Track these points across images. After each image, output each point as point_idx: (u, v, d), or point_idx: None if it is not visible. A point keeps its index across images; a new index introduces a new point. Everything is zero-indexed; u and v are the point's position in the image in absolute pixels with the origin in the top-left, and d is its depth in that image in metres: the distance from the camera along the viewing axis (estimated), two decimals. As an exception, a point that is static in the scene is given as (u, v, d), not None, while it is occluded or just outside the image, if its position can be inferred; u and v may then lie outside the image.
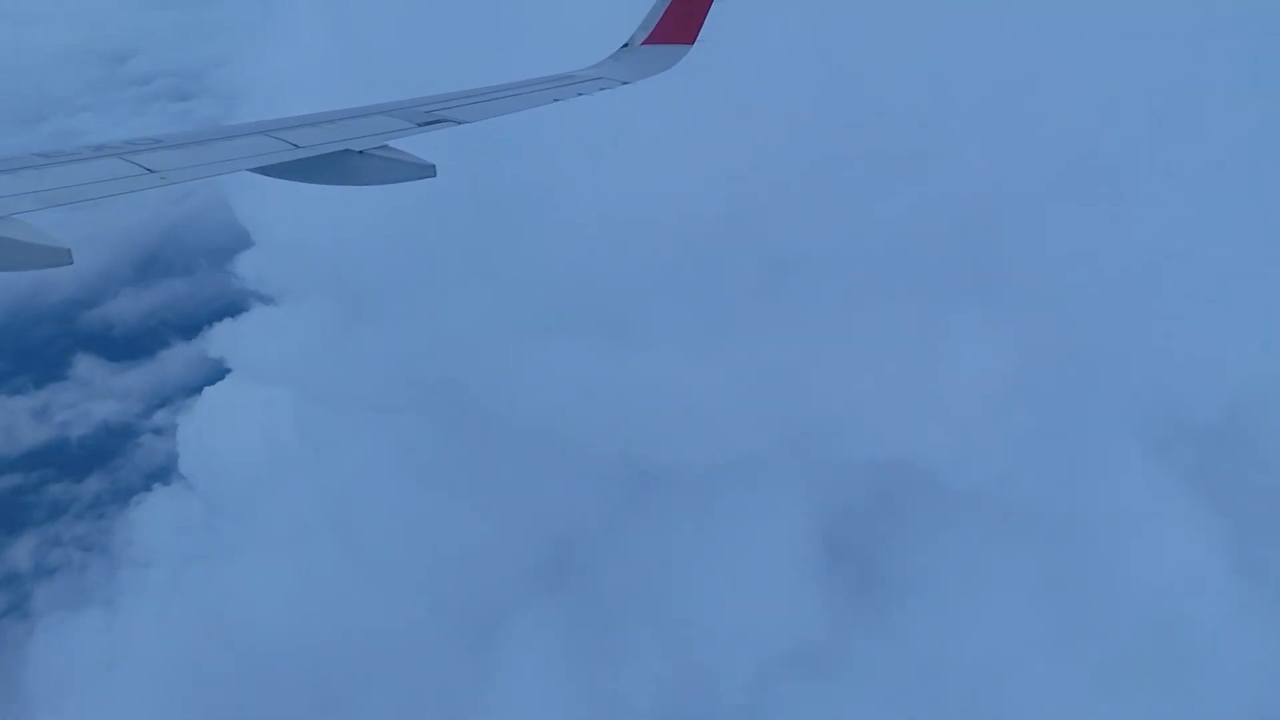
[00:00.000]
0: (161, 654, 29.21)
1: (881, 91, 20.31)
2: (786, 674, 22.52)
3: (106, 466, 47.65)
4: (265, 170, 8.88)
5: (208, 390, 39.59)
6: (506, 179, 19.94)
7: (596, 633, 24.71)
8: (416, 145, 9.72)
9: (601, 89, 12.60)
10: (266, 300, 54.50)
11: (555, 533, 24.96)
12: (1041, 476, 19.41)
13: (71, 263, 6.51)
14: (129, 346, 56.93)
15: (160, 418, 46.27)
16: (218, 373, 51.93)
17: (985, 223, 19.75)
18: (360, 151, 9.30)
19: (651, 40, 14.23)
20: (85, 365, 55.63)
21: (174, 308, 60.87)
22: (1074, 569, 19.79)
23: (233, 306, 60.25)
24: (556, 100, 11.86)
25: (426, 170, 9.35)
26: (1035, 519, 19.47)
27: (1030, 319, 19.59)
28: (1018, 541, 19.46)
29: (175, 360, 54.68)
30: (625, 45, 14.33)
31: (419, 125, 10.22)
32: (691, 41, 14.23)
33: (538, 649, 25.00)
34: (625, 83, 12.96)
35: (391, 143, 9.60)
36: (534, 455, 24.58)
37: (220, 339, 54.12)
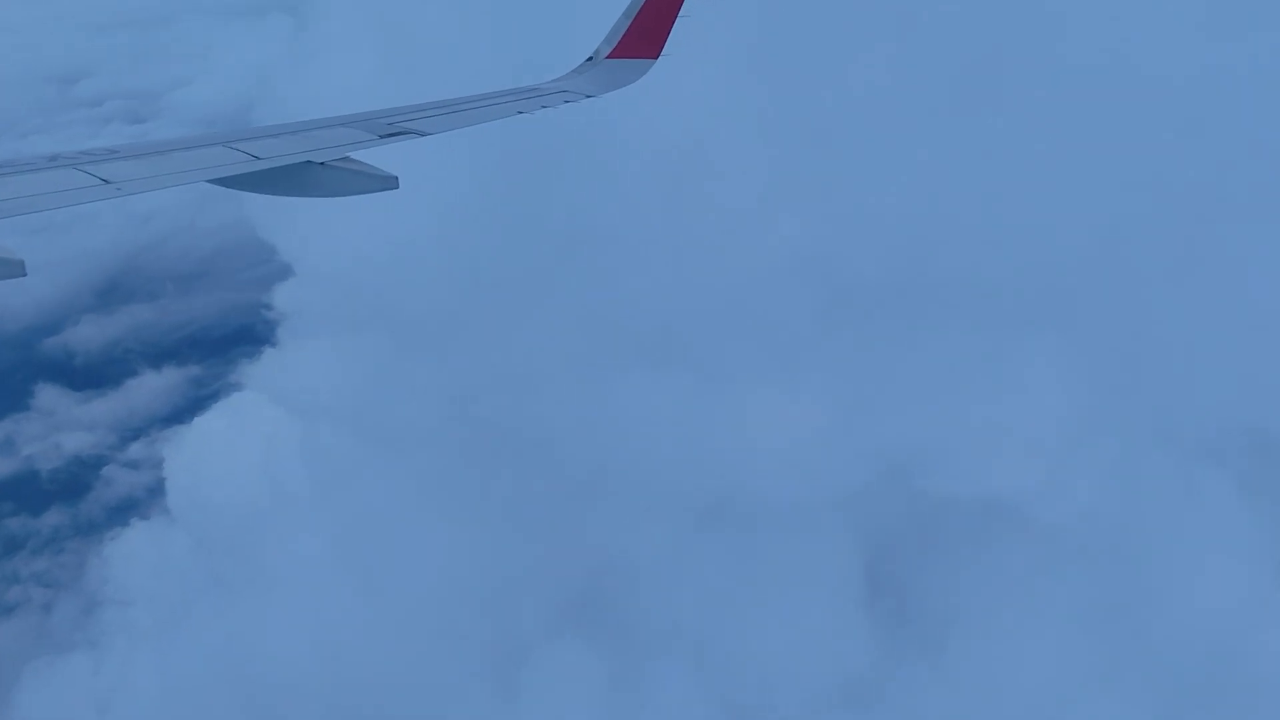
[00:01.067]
0: (161, 699, 27.70)
1: (938, 118, 19.87)
2: (833, 709, 21.79)
3: (76, 501, 45.65)
4: (225, 182, 8.73)
5: (198, 421, 37.87)
6: (561, 204, 19.07)
7: (631, 670, 23.81)
8: (379, 157, 9.55)
9: (566, 102, 12.51)
10: (271, 328, 53.07)
11: (588, 567, 24.03)
12: (1105, 504, 18.90)
13: (25, 274, 6.20)
14: (93, 375, 54.79)
15: (136, 450, 44.25)
16: (192, 403, 50.28)
17: (1049, 247, 19.30)
18: (322, 163, 9.12)
19: (616, 54, 14.05)
20: (48, 395, 53.38)
21: (139, 335, 58.79)
22: (1133, 597, 19.32)
23: (205, 333, 58.67)
24: (521, 113, 11.75)
25: (389, 182, 9.14)
26: (1093, 547, 18.94)
27: (1099, 344, 19.12)
28: (1073, 569, 18.93)
29: (143, 390, 52.65)
30: (590, 59, 14.19)
31: (381, 137, 10.07)
32: (655, 56, 14.02)
33: (566, 687, 24.03)
34: (590, 96, 12.89)
35: (353, 154, 9.41)
36: (573, 488, 23.69)
37: (221, 368, 52.63)
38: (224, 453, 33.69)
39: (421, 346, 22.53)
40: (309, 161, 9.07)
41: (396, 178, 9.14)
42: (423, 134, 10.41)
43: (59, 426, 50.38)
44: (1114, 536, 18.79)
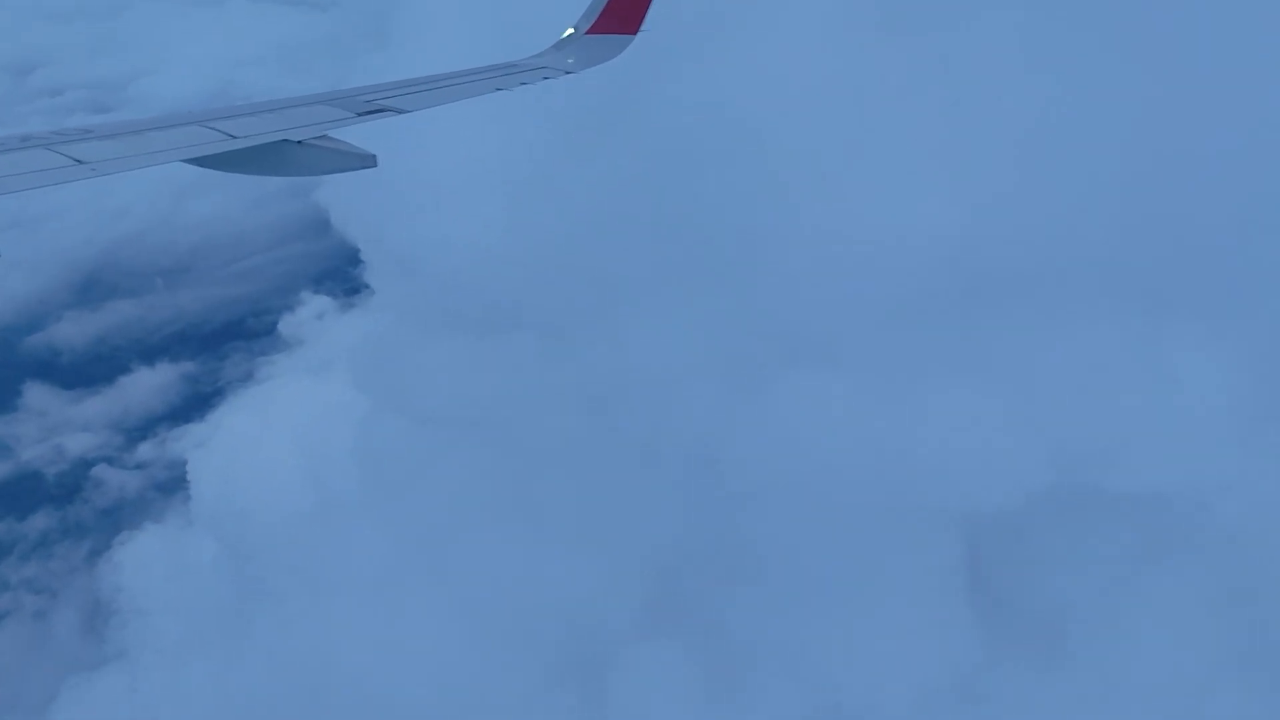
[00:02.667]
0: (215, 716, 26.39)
1: (1076, 89, 18.86)
2: (943, 707, 21.25)
3: (79, 505, 43.75)
4: (201, 161, 8.61)
5: (218, 419, 36.25)
6: (675, 195, 17.93)
7: (723, 673, 23.07)
8: (357, 135, 9.41)
9: (545, 78, 12.47)
10: (272, 324, 51.07)
11: (671, 568, 23.20)
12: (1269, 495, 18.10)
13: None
14: (82, 373, 52.56)
15: (145, 451, 42.43)
16: (193, 400, 48.40)
17: (1193, 228, 18.49)
18: (299, 141, 8.98)
19: (595, 30, 14.03)
20: (37, 394, 51.12)
21: (125, 331, 56.58)
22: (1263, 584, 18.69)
23: (194, 329, 56.62)
24: (499, 90, 11.69)
25: (367, 160, 8.95)
26: (1256, 541, 18.24)
27: (1251, 331, 18.35)
28: (1230, 563, 18.28)
29: (138, 388, 50.60)
30: (569, 34, 14.16)
31: (359, 115, 9.93)
32: (634, 32, 14.02)
33: (659, 691, 23.24)
34: (569, 72, 12.87)
35: (331, 132, 9.29)
36: (651, 486, 22.78)
37: (215, 364, 50.70)
38: (255, 452, 32.21)
39: (520, 344, 21.38)
40: (286, 140, 8.92)
41: (375, 156, 8.97)
42: (401, 111, 10.31)
43: (54, 427, 48.26)
44: (1236, 518, 18.18)
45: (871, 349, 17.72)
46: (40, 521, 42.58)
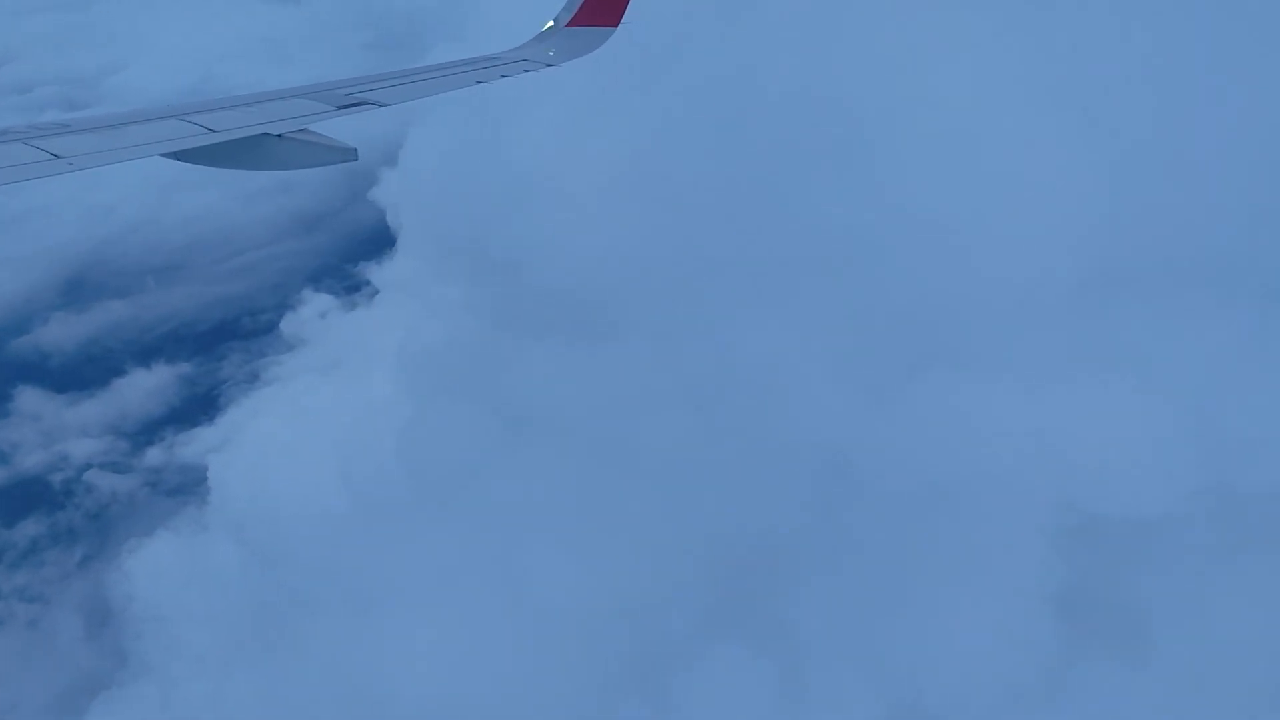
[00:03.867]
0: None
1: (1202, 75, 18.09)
2: (1028, 705, 20.81)
3: (82, 511, 42.37)
4: (180, 155, 8.46)
5: (248, 423, 35.08)
6: (779, 187, 17.15)
7: (795, 674, 22.51)
8: (337, 128, 9.35)
9: (526, 71, 12.34)
10: (275, 320, 49.58)
11: (742, 568, 22.59)
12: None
13: None
14: (75, 376, 50.98)
15: (154, 456, 41.11)
16: (192, 402, 47.05)
17: None
18: (279, 135, 8.88)
19: (575, 22, 13.89)
20: (30, 398, 49.51)
21: (117, 333, 54.99)
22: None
23: (188, 329, 55.13)
24: (480, 83, 11.59)
25: (348, 154, 8.94)
26: None
27: None
28: None
29: (135, 390, 49.15)
30: (549, 26, 14.01)
31: (339, 108, 9.84)
32: (615, 24, 13.85)
33: (727, 694, 22.64)
34: (549, 65, 12.71)
35: (311, 126, 9.20)
36: (720, 480, 22.12)
37: (213, 365, 49.27)
38: (284, 456, 31.15)
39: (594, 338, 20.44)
40: (266, 134, 8.80)
41: (355, 149, 8.91)
42: (381, 104, 10.23)
43: (50, 432, 46.77)
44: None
45: (996, 345, 17.10)
46: (39, 529, 41.20)
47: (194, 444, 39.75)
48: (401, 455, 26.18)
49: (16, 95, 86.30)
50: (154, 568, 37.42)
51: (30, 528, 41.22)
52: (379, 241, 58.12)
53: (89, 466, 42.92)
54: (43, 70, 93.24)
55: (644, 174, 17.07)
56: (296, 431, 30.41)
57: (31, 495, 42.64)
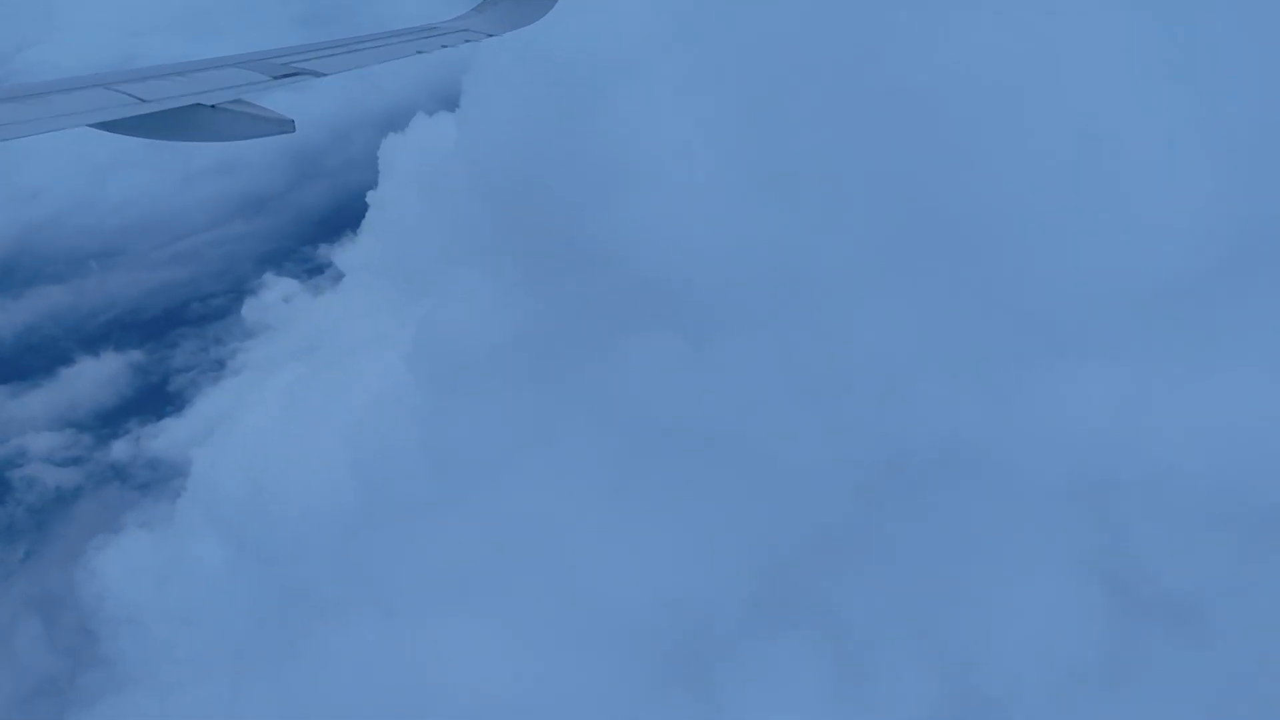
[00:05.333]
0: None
1: None
2: (1086, 690, 20.64)
3: (38, 507, 39.90)
4: (108, 126, 8.07)
5: (229, 413, 33.14)
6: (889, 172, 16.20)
7: (850, 663, 22.03)
8: (274, 99, 9.05)
9: (466, 40, 12.05)
10: (240, 300, 47.13)
11: (783, 557, 21.99)
12: None
13: None
14: (14, 366, 48.08)
15: (120, 449, 38.79)
16: (147, 391, 44.62)
17: None
18: (212, 106, 8.53)
19: None
20: (-34, 390, 46.52)
21: (57, 320, 52.00)
22: None
23: (132, 315, 52.31)
24: (420, 53, 11.30)
25: (285, 125, 8.59)
26: None
27: None
28: None
29: (84, 379, 46.49)
30: None
31: (275, 78, 9.48)
32: None
33: (772, 685, 22.06)
34: (490, 35, 12.43)
35: (246, 96, 8.85)
36: (753, 470, 21.43)
37: (164, 351, 46.68)
38: (278, 447, 29.52)
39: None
40: (199, 104, 8.44)
41: (292, 121, 8.59)
42: (319, 74, 9.89)
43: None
44: None
45: (1119, 336, 16.53)
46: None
47: (163, 436, 37.56)
48: (420, 446, 24.86)
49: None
50: (125, 566, 35.37)
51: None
52: (333, 224, 55.98)
53: (44, 461, 40.42)
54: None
55: (744, 161, 16.13)
56: (293, 422, 28.69)
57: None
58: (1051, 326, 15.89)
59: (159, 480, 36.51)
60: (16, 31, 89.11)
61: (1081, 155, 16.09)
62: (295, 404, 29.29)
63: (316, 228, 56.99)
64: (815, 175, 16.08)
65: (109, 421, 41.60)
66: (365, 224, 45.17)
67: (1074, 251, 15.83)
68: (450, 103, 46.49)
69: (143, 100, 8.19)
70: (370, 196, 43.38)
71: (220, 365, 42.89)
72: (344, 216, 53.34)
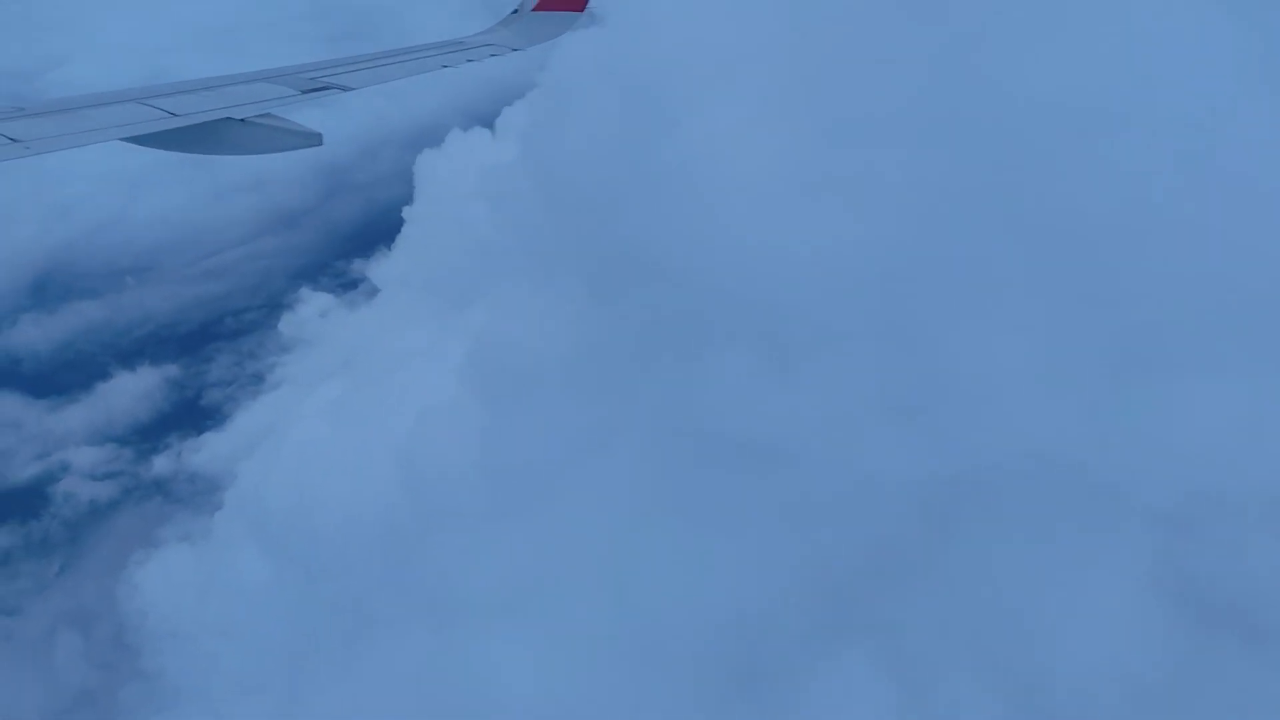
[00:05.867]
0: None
1: None
2: (1155, 704, 20.24)
3: (74, 521, 39.85)
4: (141, 140, 8.19)
5: (276, 427, 33.01)
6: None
7: (907, 683, 21.69)
8: (302, 115, 9.17)
9: (492, 55, 12.14)
10: (274, 313, 47.13)
11: (847, 575, 21.67)
12: None
13: None
14: (52, 381, 48.16)
15: (162, 464, 38.75)
16: (183, 406, 44.60)
17: None
18: (242, 120, 8.68)
19: (542, 6, 13.63)
20: (7, 405, 46.59)
21: (94, 335, 52.10)
22: None
23: (168, 330, 52.39)
24: (446, 67, 11.41)
25: (313, 139, 8.73)
26: None
27: None
28: None
29: (122, 394, 46.51)
30: (515, 11, 13.75)
31: (303, 92, 9.59)
32: (581, 8, 13.66)
33: (833, 706, 21.74)
34: (515, 50, 12.50)
35: (275, 110, 9.00)
36: (811, 486, 21.14)
37: (200, 366, 46.71)
38: (326, 461, 29.36)
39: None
40: (229, 118, 8.58)
41: (320, 134, 8.68)
42: (345, 89, 9.95)
43: (35, 439, 43.98)
44: None
45: (1220, 349, 16.08)
46: (28, 541, 38.67)
47: (204, 450, 37.47)
48: (476, 460, 24.66)
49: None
50: (168, 580, 35.25)
51: (19, 539, 38.69)
52: (365, 238, 56.08)
53: (86, 476, 40.41)
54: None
55: (831, 173, 15.92)
56: (340, 436, 28.53)
57: (21, 506, 40.01)
58: (1158, 340, 15.56)
59: (201, 495, 36.41)
60: (46, 50, 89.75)
61: (1192, 161, 15.71)
62: (342, 417, 29.11)
63: (348, 242, 57.13)
64: (903, 186, 15.85)
65: (149, 436, 41.57)
66: (400, 239, 45.15)
67: (1182, 261, 15.46)
68: (481, 119, 46.67)
69: (174, 114, 8.32)
70: (406, 211, 43.34)
71: (258, 379, 42.88)
72: (376, 231, 53.47)
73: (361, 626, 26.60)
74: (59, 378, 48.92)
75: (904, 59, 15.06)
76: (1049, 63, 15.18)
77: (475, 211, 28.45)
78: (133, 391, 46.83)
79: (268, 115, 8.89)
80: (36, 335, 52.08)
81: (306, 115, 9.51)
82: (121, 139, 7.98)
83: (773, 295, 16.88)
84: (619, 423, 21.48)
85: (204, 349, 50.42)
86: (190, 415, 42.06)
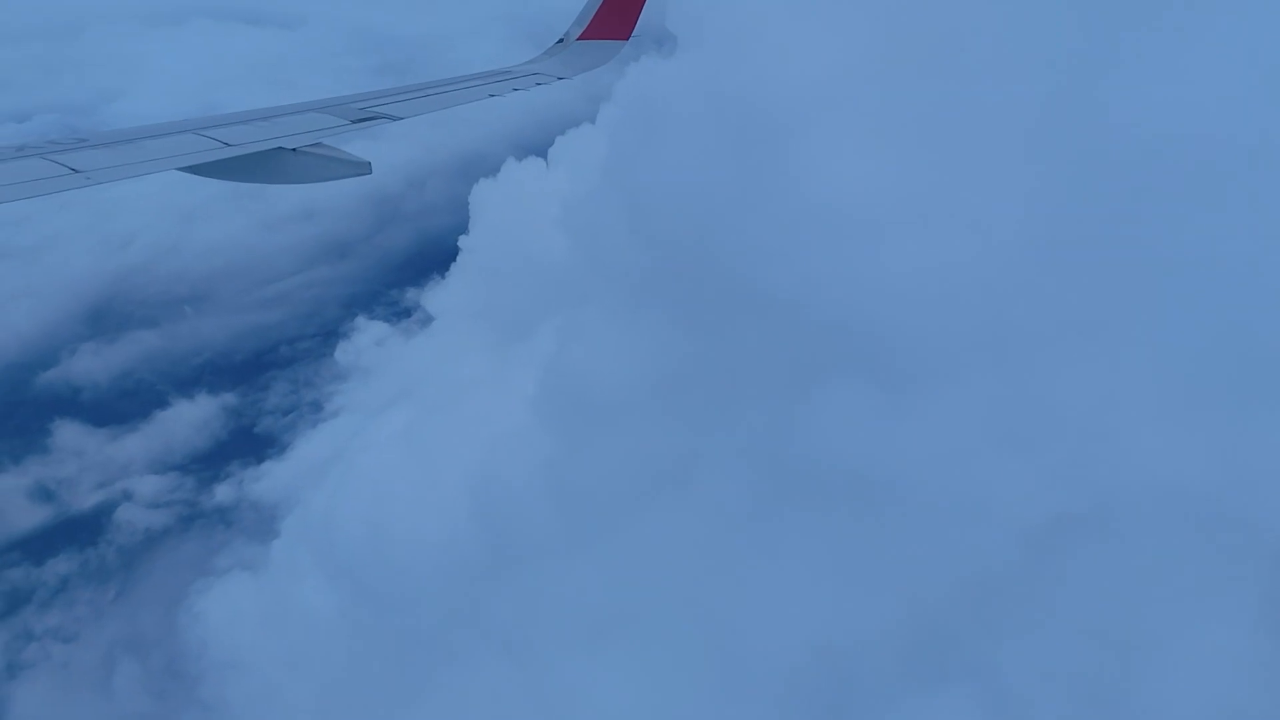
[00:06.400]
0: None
1: None
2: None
3: (134, 550, 39.70)
4: (196, 169, 8.38)
5: (343, 456, 32.75)
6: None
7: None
8: (353, 145, 9.29)
9: (538, 84, 12.26)
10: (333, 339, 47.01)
11: (944, 609, 20.94)
12: None
13: None
14: (111, 410, 48.29)
15: (224, 492, 38.60)
16: (245, 433, 44.57)
17: None
18: (294, 149, 8.82)
19: (587, 35, 13.77)
20: (68, 434, 46.72)
21: (150, 364, 52.31)
22: None
23: (223, 359, 52.54)
24: (493, 96, 11.52)
25: (362, 168, 8.89)
26: None
27: None
28: None
29: (180, 422, 46.55)
30: (560, 40, 13.89)
31: (353, 122, 9.77)
32: (626, 37, 13.76)
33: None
34: (561, 78, 12.62)
35: (326, 140, 9.14)
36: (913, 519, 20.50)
37: (256, 395, 46.70)
38: (393, 492, 29.01)
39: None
40: (280, 148, 8.73)
41: (369, 163, 8.83)
42: (394, 118, 10.06)
43: (95, 467, 44.02)
44: None
45: None
46: (87, 568, 38.56)
47: (265, 479, 37.28)
48: (551, 490, 24.19)
49: (14, 123, 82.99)
50: (229, 609, 34.93)
51: (79, 566, 38.62)
52: (417, 267, 56.16)
53: (147, 504, 40.35)
54: (38, 98, 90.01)
55: (946, 197, 15.47)
56: (410, 465, 28.19)
57: (82, 534, 39.97)
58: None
59: (264, 523, 36.17)
60: (102, 84, 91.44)
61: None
62: (411, 446, 28.76)
63: (400, 271, 57.25)
64: (1021, 212, 15.34)
65: (210, 464, 41.49)
66: (456, 267, 45.02)
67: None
68: (530, 149, 46.57)
69: (227, 144, 8.52)
70: (462, 240, 43.24)
71: (316, 408, 42.76)
72: (428, 260, 53.53)
73: (435, 659, 26.11)
74: (118, 406, 49.09)
75: (1023, 81, 14.58)
76: (1175, 90, 14.68)
77: (535, 240, 28.16)
78: (191, 420, 46.86)
79: (319, 145, 9.02)
80: (96, 364, 52.42)
81: (357, 145, 9.63)
82: (178, 169, 8.19)
83: (881, 325, 16.37)
84: (707, 453, 20.96)
85: (260, 377, 50.47)
86: (249, 443, 41.96)
